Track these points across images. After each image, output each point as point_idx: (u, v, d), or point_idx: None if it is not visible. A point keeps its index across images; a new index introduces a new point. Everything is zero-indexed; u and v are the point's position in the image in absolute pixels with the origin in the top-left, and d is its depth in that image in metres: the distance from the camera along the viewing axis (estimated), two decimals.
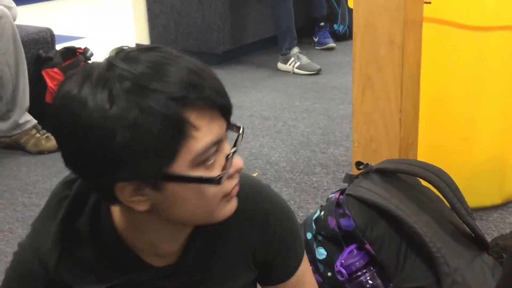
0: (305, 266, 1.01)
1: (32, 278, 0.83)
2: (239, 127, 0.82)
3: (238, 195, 0.86)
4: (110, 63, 0.73)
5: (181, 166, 0.74)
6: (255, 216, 0.91)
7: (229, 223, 0.86)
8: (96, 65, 0.74)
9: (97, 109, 0.70)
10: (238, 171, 0.82)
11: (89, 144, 0.71)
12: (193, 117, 0.74)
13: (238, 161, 0.81)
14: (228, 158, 0.79)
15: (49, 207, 0.86)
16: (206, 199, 0.78)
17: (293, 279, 0.98)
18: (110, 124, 0.70)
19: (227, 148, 0.80)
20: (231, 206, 0.82)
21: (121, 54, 0.75)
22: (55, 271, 0.81)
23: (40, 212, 0.87)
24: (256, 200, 0.91)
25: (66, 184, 0.86)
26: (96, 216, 0.82)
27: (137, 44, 3.97)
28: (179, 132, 0.73)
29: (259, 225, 0.91)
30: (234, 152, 0.80)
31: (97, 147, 0.71)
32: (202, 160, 0.76)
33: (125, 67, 0.72)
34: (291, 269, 0.98)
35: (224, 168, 0.78)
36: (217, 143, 0.78)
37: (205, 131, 0.75)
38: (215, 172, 0.78)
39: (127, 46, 0.78)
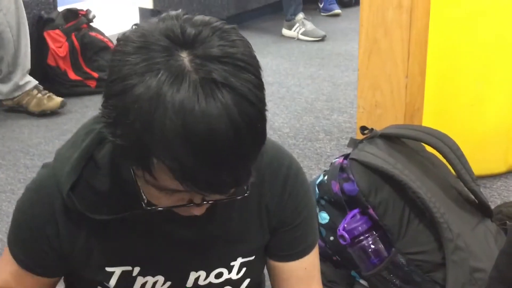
0: (315, 261, 0.98)
1: (46, 199, 0.85)
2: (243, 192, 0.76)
3: (262, 157, 0.83)
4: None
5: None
6: (276, 179, 0.89)
7: (252, 182, 0.85)
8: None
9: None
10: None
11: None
12: (159, 172, 0.69)
13: (196, 210, 0.77)
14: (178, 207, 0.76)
15: (77, 136, 0.87)
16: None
17: (301, 265, 0.95)
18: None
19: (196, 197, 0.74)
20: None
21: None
22: (68, 195, 0.82)
23: (67, 140, 0.89)
24: (278, 164, 0.89)
25: (97, 118, 0.87)
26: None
27: (140, 8, 3.92)
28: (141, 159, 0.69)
29: (278, 188, 0.89)
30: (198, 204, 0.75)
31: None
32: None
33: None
34: (300, 247, 0.94)
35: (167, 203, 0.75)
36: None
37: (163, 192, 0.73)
38: (155, 194, 0.74)
39: None
